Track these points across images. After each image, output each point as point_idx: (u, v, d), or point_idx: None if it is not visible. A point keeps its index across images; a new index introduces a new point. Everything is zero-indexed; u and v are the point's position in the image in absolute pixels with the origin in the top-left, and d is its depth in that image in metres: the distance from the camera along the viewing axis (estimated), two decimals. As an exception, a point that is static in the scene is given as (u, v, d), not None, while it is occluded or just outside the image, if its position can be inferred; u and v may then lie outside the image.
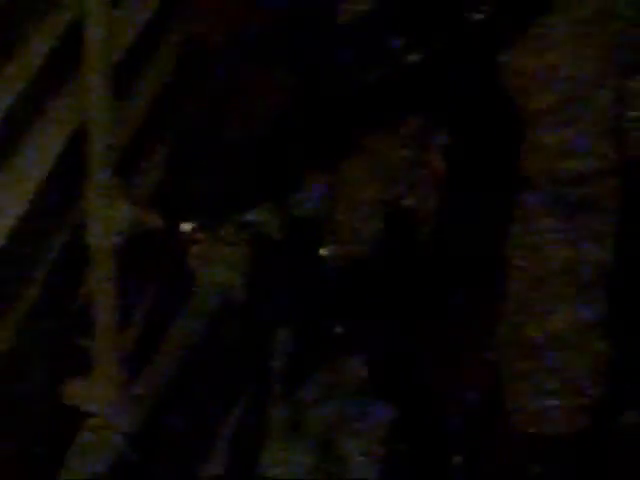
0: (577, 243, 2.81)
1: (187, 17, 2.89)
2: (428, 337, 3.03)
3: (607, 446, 2.96)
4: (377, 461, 2.54)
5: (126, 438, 2.04)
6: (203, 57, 2.73)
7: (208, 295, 2.24)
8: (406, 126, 2.83)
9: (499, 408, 2.98)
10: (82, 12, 2.13)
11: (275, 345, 2.44)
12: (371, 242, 2.82)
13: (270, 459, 2.45)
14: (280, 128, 2.69)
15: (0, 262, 2.09)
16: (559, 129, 2.74)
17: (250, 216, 2.31)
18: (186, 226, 2.27)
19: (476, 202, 3.01)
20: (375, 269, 2.84)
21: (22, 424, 2.22)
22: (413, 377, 2.89)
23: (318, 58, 2.66)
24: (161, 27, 2.75)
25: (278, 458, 2.46)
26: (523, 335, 2.90)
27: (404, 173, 2.99)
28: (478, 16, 2.57)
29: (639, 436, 2.95)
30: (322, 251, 2.51)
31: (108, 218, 2.17)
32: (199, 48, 2.72)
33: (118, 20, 2.29)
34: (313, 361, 2.54)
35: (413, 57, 2.56)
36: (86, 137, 2.16)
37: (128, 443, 2.04)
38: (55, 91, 2.28)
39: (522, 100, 2.77)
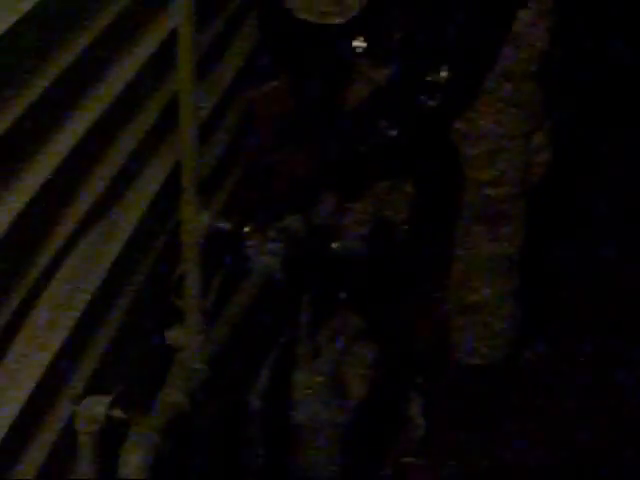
0: (497, 242, 2.89)
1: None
2: (403, 301, 3.12)
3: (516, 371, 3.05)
4: (367, 382, 2.61)
5: (203, 367, 2.07)
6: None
7: (259, 274, 2.24)
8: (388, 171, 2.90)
9: (448, 346, 3.06)
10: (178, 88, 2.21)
11: (301, 306, 2.47)
12: (364, 240, 2.90)
13: (296, 381, 2.53)
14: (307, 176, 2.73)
15: (127, 254, 2.18)
16: (486, 168, 2.80)
17: (286, 223, 2.33)
18: (246, 228, 2.29)
19: (434, 215, 3.09)
20: (367, 257, 2.92)
21: (137, 358, 2.33)
22: (393, 326, 2.96)
23: (331, 134, 2.71)
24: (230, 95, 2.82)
25: (301, 380, 2.54)
26: (462, 301, 2.98)
27: (386, 196, 3.06)
28: (432, 103, 2.58)
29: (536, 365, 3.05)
30: (333, 245, 2.54)
31: (195, 224, 2.25)
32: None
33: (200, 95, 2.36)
34: (326, 316, 2.60)
35: (393, 132, 2.60)
36: (180, 171, 2.24)
37: (204, 369, 2.07)
38: (160, 141, 2.38)
39: (462, 150, 2.84)
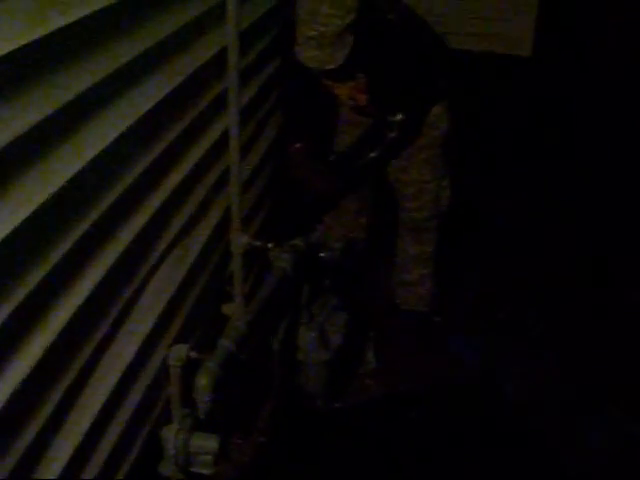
0: (420, 245, 2.96)
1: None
2: (362, 288, 3.12)
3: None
4: (341, 336, 2.59)
5: (244, 326, 2.07)
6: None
7: (277, 273, 2.22)
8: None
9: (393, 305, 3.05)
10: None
11: (302, 291, 2.46)
12: (339, 251, 2.90)
13: (299, 336, 2.51)
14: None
15: (200, 259, 2.21)
16: (414, 201, 2.85)
17: (294, 241, 2.31)
18: (270, 245, 2.27)
19: (381, 233, 3.09)
20: (341, 261, 2.92)
21: (205, 321, 2.33)
22: (356, 303, 2.91)
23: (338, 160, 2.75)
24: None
25: (302, 334, 2.51)
26: (401, 279, 3.04)
27: (352, 223, 3.08)
28: (392, 134, 2.58)
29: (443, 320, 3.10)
30: (321, 255, 2.53)
31: (239, 242, 2.24)
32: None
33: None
34: (317, 297, 2.59)
35: (373, 154, 2.61)
36: (230, 210, 2.23)
37: (245, 328, 2.07)
38: (217, 192, 2.36)
39: (399, 190, 2.87)
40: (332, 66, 2.31)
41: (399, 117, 2.52)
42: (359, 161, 2.63)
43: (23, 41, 1.20)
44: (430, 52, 2.62)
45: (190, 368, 1.87)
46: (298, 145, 2.66)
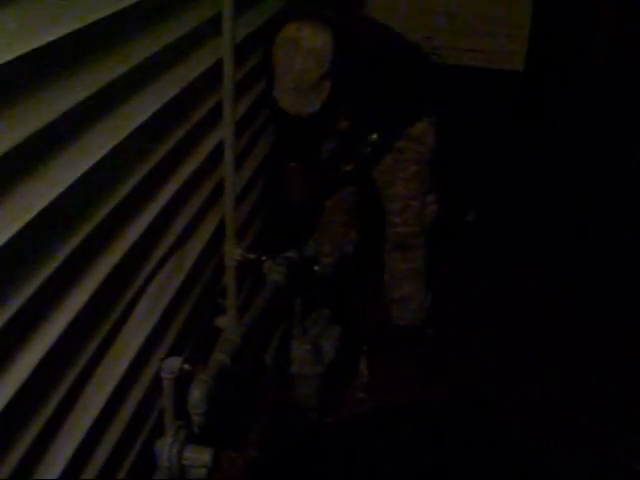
0: (407, 262, 2.95)
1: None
2: (354, 301, 3.11)
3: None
4: (334, 349, 2.59)
5: (237, 340, 2.07)
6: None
7: (270, 285, 2.21)
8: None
9: (386, 321, 3.04)
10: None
11: (295, 304, 2.46)
12: (332, 265, 2.91)
13: (292, 349, 2.51)
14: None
15: (193, 271, 2.20)
16: (399, 216, 2.85)
17: (287, 254, 2.31)
18: (263, 257, 2.27)
19: (369, 249, 3.09)
20: (334, 275, 2.93)
21: (199, 334, 2.33)
22: (349, 316, 2.91)
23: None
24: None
25: (296, 347, 2.51)
26: (391, 296, 3.02)
27: (343, 239, 3.08)
28: (367, 150, 2.68)
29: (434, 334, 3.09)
30: (314, 268, 2.53)
31: (233, 254, 2.24)
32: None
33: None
34: (310, 310, 2.59)
35: (347, 167, 2.76)
36: (224, 222, 2.23)
37: (238, 341, 2.07)
38: (212, 204, 2.35)
39: (385, 205, 2.88)
40: (310, 111, 2.41)
41: (374, 137, 2.64)
42: (334, 173, 2.75)
43: (19, 52, 1.21)
44: (410, 75, 2.66)
45: (183, 381, 1.86)
46: (294, 164, 2.69)
